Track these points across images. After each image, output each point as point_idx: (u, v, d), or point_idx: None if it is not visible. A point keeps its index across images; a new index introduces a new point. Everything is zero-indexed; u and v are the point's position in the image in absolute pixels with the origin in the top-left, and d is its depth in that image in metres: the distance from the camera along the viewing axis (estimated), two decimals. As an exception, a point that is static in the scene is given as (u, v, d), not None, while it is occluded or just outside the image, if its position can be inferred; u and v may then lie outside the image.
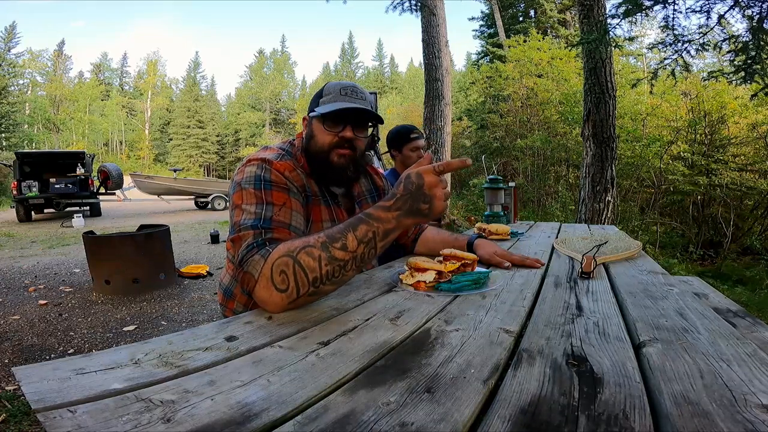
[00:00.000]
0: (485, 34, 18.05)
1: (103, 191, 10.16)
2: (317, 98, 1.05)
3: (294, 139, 1.11)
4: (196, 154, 43.69)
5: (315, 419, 0.41)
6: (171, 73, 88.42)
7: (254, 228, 0.84)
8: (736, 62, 3.72)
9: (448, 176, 6.89)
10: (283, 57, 51.78)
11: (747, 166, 7.42)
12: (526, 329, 0.68)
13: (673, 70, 4.05)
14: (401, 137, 2.08)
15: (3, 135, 26.97)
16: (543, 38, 12.30)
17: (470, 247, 1.24)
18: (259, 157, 0.96)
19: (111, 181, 9.98)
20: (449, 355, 0.57)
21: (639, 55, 14.14)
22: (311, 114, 1.04)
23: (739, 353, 0.57)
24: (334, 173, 1.03)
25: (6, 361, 2.21)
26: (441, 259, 1.00)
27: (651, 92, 8.39)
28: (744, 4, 3.59)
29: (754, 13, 3.56)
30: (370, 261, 0.80)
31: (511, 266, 1.14)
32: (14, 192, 9.25)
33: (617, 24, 3.96)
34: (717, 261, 6.51)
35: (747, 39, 3.61)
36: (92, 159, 10.42)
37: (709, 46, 3.87)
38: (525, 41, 11.36)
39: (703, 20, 3.79)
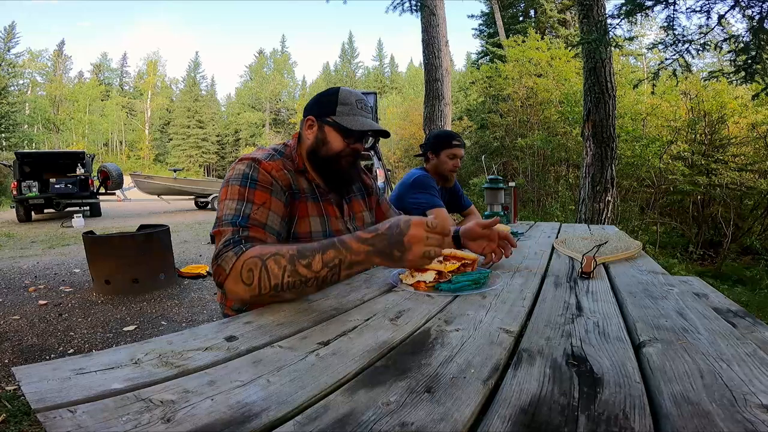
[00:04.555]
0: (485, 34, 18.04)
1: (103, 191, 10.14)
2: (330, 104, 1.06)
3: (289, 141, 1.13)
4: (196, 154, 43.69)
5: (315, 419, 0.41)
6: (171, 73, 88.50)
7: (233, 225, 0.89)
8: (737, 62, 3.72)
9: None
10: (283, 57, 51.77)
11: (747, 166, 7.41)
12: (526, 329, 0.68)
13: (674, 70, 4.05)
14: (442, 141, 2.03)
15: (3, 135, 26.94)
16: (542, 38, 12.30)
17: (457, 241, 1.24)
18: (249, 156, 1.01)
19: (111, 181, 9.97)
20: (449, 355, 0.57)
21: (639, 55, 14.13)
22: (326, 119, 1.07)
23: (739, 353, 0.57)
24: (344, 176, 1.11)
25: (6, 361, 2.21)
26: (441, 259, 1.00)
27: (653, 92, 8.39)
28: (744, 5, 3.59)
29: (755, 13, 3.56)
30: (332, 284, 0.84)
31: (493, 259, 1.14)
32: (14, 192, 9.23)
33: (617, 24, 3.96)
34: (717, 261, 6.51)
35: (747, 39, 3.61)
36: (92, 159, 10.41)
37: (710, 46, 3.87)
38: (523, 41, 11.36)
39: (703, 20, 3.79)
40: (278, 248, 0.81)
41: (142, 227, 3.91)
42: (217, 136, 46.12)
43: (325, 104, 1.07)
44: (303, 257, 0.78)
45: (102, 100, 43.75)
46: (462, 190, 2.31)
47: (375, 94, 10.60)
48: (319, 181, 1.11)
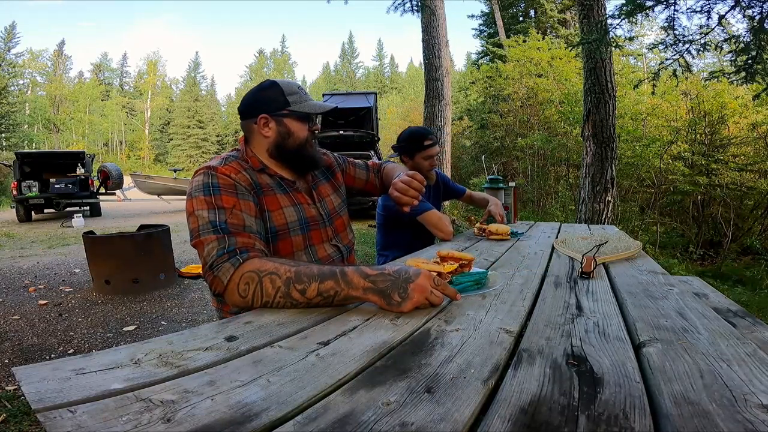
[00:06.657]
0: (485, 34, 18.04)
1: (103, 191, 10.14)
2: (279, 98, 1.09)
3: (238, 147, 1.15)
4: (196, 154, 43.67)
5: (315, 419, 0.41)
6: (171, 73, 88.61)
7: (216, 233, 0.89)
8: (737, 62, 3.72)
9: (448, 174, 6.86)
10: (283, 57, 51.80)
11: (747, 166, 7.41)
12: (526, 329, 0.68)
13: (675, 70, 4.05)
14: (414, 144, 1.86)
15: (3, 135, 26.93)
16: (543, 38, 12.31)
17: (380, 173, 1.43)
18: (204, 166, 1.02)
19: (111, 181, 9.97)
20: (449, 355, 0.57)
21: (639, 55, 14.12)
22: (282, 113, 1.09)
23: (739, 353, 0.57)
24: (314, 158, 1.15)
25: (6, 361, 2.21)
26: (438, 259, 1.00)
27: (653, 93, 8.38)
28: (745, 5, 3.59)
29: (755, 14, 3.56)
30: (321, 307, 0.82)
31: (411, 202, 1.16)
32: (14, 192, 9.22)
33: (618, 24, 3.95)
34: (717, 261, 6.51)
35: (748, 39, 3.61)
36: (92, 159, 10.40)
37: (710, 46, 3.87)
38: (524, 41, 11.36)
39: (703, 21, 3.79)
40: (277, 267, 0.81)
41: (142, 227, 3.91)
42: (217, 136, 46.12)
43: (273, 100, 1.09)
44: (299, 282, 0.78)
45: (102, 100, 43.76)
46: (448, 178, 2.24)
47: (375, 94, 10.63)
48: (283, 173, 1.12)
